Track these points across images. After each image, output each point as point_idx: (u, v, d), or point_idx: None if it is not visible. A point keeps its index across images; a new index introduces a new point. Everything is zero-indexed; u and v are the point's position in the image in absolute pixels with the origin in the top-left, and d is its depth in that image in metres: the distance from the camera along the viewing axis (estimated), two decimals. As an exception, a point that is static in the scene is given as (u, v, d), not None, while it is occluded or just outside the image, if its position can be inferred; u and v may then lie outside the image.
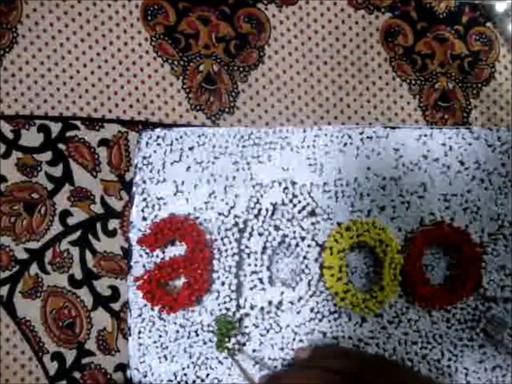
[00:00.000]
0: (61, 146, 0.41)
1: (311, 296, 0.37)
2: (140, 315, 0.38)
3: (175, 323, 0.38)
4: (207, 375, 0.38)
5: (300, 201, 0.38)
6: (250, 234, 0.38)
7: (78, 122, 0.41)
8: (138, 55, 0.42)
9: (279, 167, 0.39)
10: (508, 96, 0.44)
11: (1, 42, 0.41)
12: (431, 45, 0.44)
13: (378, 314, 0.38)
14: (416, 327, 0.38)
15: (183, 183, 0.39)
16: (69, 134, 0.41)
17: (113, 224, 0.41)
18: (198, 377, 0.38)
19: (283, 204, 0.38)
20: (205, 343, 0.38)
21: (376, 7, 0.44)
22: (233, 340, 0.36)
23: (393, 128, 0.40)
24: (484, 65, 0.44)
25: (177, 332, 0.38)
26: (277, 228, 0.38)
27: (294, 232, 0.38)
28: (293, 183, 0.39)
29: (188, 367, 0.38)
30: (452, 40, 0.44)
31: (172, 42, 0.42)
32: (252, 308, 0.37)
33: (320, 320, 0.38)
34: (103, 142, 0.41)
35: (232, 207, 0.38)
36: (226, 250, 0.38)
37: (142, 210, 0.39)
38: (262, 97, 0.43)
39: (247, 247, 0.38)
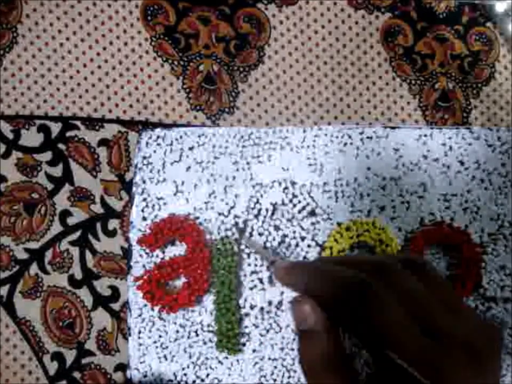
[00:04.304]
0: (61, 146, 0.41)
1: (311, 296, 0.37)
2: (140, 315, 0.38)
3: (175, 323, 0.38)
4: (207, 375, 0.38)
5: (299, 201, 0.38)
6: (250, 234, 0.38)
7: (78, 122, 0.41)
8: (138, 55, 0.42)
9: (279, 167, 0.39)
10: (508, 96, 0.44)
11: (1, 42, 0.41)
12: (431, 45, 0.44)
13: (378, 314, 0.38)
14: (416, 327, 0.38)
15: (183, 183, 0.39)
16: (69, 134, 0.41)
17: (113, 224, 0.41)
18: (198, 377, 0.38)
19: (283, 203, 0.38)
20: (205, 343, 0.38)
21: (376, 7, 0.44)
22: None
23: (393, 128, 0.40)
24: (483, 65, 0.44)
25: (177, 332, 0.38)
26: (277, 228, 0.38)
27: (294, 232, 0.38)
28: (293, 183, 0.39)
29: (188, 367, 0.38)
30: (452, 40, 0.44)
31: (172, 42, 0.42)
32: (251, 307, 0.37)
33: (320, 320, 0.38)
34: (103, 142, 0.41)
35: (232, 207, 0.38)
36: (226, 250, 0.38)
37: (142, 210, 0.39)
38: (262, 97, 0.43)
39: (247, 247, 0.38)
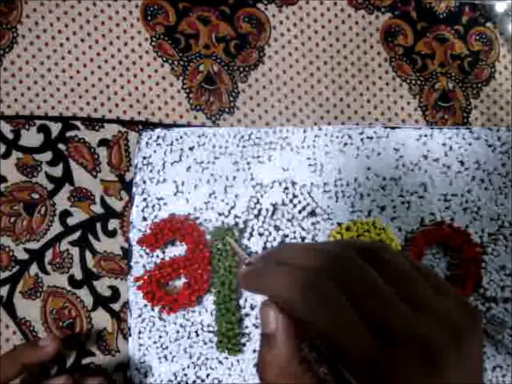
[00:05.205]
0: (61, 146, 0.41)
1: (311, 296, 0.37)
2: (140, 315, 0.38)
3: (175, 323, 0.38)
4: (207, 375, 0.38)
5: (300, 202, 0.38)
6: (251, 234, 0.38)
7: (78, 122, 0.41)
8: (138, 55, 0.42)
9: (279, 167, 0.39)
10: (508, 96, 0.44)
11: (1, 42, 0.41)
12: (431, 45, 0.44)
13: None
14: (416, 327, 0.38)
15: (183, 183, 0.39)
16: (69, 134, 0.41)
17: (113, 224, 0.41)
18: (198, 377, 0.38)
19: (283, 204, 0.38)
20: (205, 343, 0.38)
21: (376, 7, 0.44)
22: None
23: (393, 128, 0.40)
24: (484, 65, 0.44)
25: (178, 332, 0.38)
26: (277, 228, 0.38)
27: (294, 232, 0.38)
28: (293, 183, 0.39)
29: (188, 367, 0.38)
30: (452, 40, 0.44)
31: (172, 42, 0.42)
32: (252, 308, 0.37)
33: (320, 320, 0.38)
34: (103, 142, 0.41)
35: (232, 207, 0.38)
36: (226, 251, 0.38)
37: (142, 211, 0.39)
38: (262, 97, 0.43)
39: (247, 247, 0.38)
